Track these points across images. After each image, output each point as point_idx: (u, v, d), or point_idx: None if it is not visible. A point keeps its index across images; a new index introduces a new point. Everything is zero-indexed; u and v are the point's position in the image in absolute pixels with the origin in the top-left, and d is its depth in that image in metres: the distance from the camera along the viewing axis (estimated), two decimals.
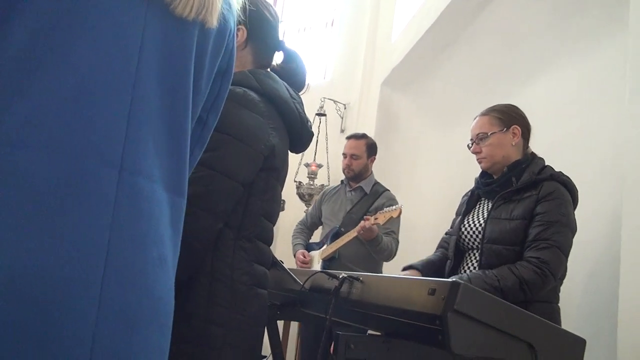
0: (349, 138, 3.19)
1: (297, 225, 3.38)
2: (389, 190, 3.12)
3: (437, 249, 2.10)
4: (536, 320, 1.12)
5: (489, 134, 1.85)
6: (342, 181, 3.26)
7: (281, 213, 3.77)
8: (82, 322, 0.47)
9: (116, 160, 0.51)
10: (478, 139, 1.88)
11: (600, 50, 2.50)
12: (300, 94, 1.46)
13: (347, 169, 3.11)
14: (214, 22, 0.63)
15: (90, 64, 0.51)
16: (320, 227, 3.31)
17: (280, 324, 3.44)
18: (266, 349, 1.96)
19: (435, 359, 1.33)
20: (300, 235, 3.30)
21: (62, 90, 0.49)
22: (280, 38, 1.45)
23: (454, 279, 1.03)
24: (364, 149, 3.09)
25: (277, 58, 1.47)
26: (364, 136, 3.17)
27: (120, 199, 0.51)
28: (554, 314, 1.70)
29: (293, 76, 1.45)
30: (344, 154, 3.15)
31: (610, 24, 2.40)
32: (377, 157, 3.20)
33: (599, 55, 2.50)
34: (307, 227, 3.35)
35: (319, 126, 4.57)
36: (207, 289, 1.20)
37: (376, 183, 3.14)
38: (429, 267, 1.98)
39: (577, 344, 1.15)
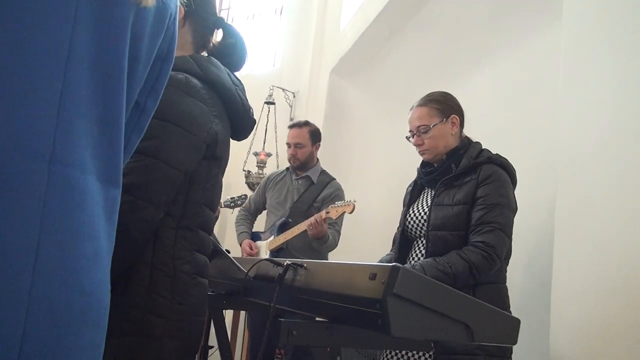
0: (291, 127, 3.12)
1: (240, 212, 3.28)
2: (335, 179, 3.07)
3: (392, 245, 2.12)
4: (472, 301, 1.15)
5: (430, 126, 1.87)
6: (287, 168, 3.18)
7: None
8: (9, 323, 0.46)
9: (46, 151, 0.48)
10: (419, 132, 1.90)
11: (537, 41, 2.59)
12: (240, 75, 1.43)
13: (292, 158, 3.04)
14: (149, 0, 0.60)
15: (15, 47, 0.47)
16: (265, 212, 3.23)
17: (229, 313, 3.42)
18: (214, 339, 1.95)
19: (376, 342, 1.35)
20: (244, 222, 3.21)
21: None
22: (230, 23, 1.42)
23: (394, 264, 1.05)
24: (308, 136, 3.03)
25: (216, 37, 1.42)
26: (306, 123, 3.09)
27: (50, 193, 0.48)
28: (502, 295, 1.76)
29: (232, 53, 1.40)
30: (287, 143, 3.08)
31: (546, 15, 2.49)
32: (326, 145, 3.17)
33: (536, 45, 2.60)
34: (251, 213, 3.26)
35: (268, 115, 4.54)
36: (147, 279, 1.16)
37: (322, 172, 3.08)
38: None
39: (512, 324, 1.19)
